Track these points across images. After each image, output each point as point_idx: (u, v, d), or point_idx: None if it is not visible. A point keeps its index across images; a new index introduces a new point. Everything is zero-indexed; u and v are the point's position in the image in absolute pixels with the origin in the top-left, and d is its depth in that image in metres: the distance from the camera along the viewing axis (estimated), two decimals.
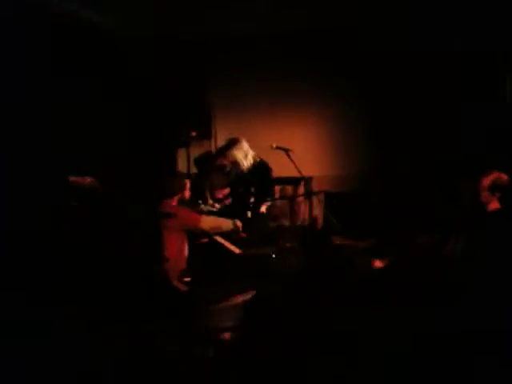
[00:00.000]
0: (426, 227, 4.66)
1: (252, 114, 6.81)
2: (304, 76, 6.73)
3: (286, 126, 6.84)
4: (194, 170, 6.48)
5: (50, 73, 4.91)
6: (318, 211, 6.75)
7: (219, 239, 4.14)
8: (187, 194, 4.15)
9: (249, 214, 5.10)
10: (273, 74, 6.77)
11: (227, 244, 4.09)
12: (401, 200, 5.68)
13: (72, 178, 3.98)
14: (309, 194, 6.08)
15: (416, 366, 2.78)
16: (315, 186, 6.90)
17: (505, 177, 3.37)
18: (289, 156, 4.88)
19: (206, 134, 6.52)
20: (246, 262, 3.80)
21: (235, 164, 5.14)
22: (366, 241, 5.79)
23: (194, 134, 6.23)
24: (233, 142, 5.14)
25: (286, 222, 5.99)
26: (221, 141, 6.64)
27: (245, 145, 5.13)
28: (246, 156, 5.13)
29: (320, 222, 6.77)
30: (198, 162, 6.29)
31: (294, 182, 6.76)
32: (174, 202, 4.05)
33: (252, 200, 5.17)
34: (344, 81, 6.69)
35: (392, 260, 5.29)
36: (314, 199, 6.33)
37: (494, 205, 3.37)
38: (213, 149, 6.79)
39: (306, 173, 6.78)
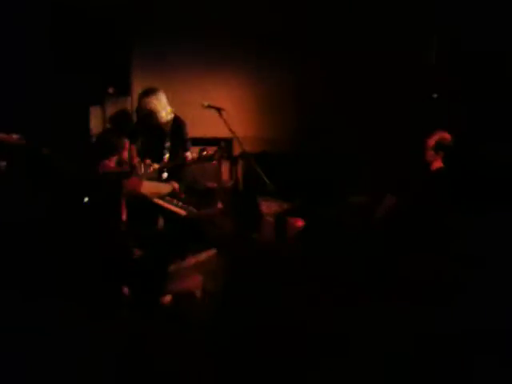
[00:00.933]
0: (361, 188, 4.84)
1: (175, 74, 6.51)
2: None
3: (212, 86, 6.64)
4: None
5: None
6: (240, 173, 6.70)
7: (163, 203, 3.94)
8: (125, 154, 3.87)
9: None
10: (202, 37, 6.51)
11: (172, 207, 3.90)
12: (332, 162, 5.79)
13: None
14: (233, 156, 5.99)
15: (415, 366, 2.70)
16: (239, 148, 6.85)
17: (448, 136, 3.52)
18: (221, 115, 4.73)
19: (124, 91, 6.09)
20: (192, 223, 3.67)
21: (152, 114, 4.88)
22: (292, 202, 5.89)
23: (111, 90, 5.79)
24: (151, 91, 4.88)
25: (210, 184, 5.88)
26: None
27: (163, 96, 4.90)
28: (165, 107, 4.91)
29: (240, 183, 6.75)
30: (115, 119, 5.94)
31: (214, 142, 6.65)
32: (112, 163, 3.77)
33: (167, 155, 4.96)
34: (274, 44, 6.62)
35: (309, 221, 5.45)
36: (239, 161, 6.29)
37: (438, 164, 3.52)
38: (129, 107, 6.41)
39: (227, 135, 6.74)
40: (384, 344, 2.89)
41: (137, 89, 6.27)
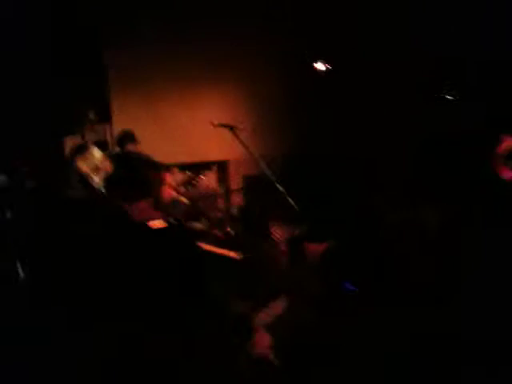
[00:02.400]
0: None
1: (160, 94, 5.85)
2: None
3: (202, 103, 6.02)
4: None
5: None
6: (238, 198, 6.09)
7: (209, 247, 3.26)
8: (168, 192, 2.81)
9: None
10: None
11: (219, 250, 3.18)
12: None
13: None
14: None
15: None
16: (232, 171, 6.24)
17: None
18: (235, 134, 4.12)
19: (104, 116, 5.33)
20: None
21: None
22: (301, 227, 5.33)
23: (91, 116, 5.02)
24: (78, 150, 4.08)
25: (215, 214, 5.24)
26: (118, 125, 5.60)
27: (95, 153, 4.10)
28: (96, 168, 4.08)
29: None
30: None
31: (203, 167, 6.02)
32: (148, 205, 2.72)
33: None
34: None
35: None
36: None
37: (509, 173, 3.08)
38: (108, 137, 5.67)
39: (220, 157, 6.11)
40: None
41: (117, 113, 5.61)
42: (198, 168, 5.70)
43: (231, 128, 4.08)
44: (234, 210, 5.49)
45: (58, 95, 4.80)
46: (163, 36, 5.76)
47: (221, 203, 5.63)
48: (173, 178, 3.38)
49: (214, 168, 6.02)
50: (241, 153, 6.05)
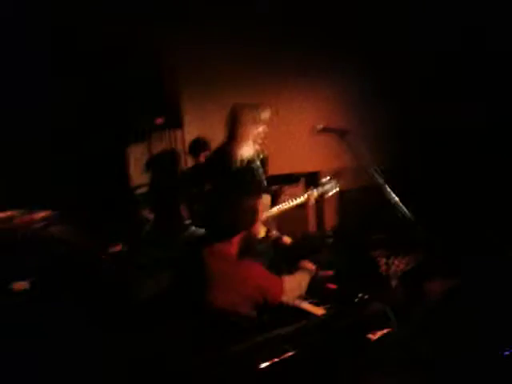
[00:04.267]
0: None
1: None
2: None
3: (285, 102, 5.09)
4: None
5: None
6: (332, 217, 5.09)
7: (301, 304, 2.32)
8: (257, 227, 2.25)
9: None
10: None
11: (309, 307, 2.26)
12: None
13: None
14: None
15: None
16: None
17: None
18: (344, 140, 3.10)
19: (175, 122, 4.47)
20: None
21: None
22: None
23: (159, 121, 4.20)
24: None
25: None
26: (191, 131, 4.74)
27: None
28: None
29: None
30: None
31: (291, 179, 5.05)
32: (234, 246, 2.17)
33: None
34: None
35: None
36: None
37: None
38: (178, 144, 4.82)
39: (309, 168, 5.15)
40: None
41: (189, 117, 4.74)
42: (282, 182, 4.75)
43: (341, 132, 3.06)
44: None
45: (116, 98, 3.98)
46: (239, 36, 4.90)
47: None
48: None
49: (302, 180, 5.05)
50: (336, 162, 5.17)
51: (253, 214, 2.22)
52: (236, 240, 2.19)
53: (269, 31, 5.03)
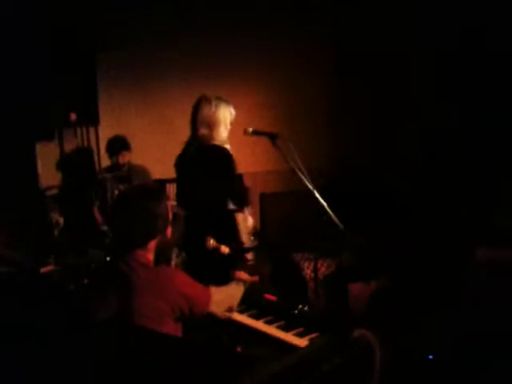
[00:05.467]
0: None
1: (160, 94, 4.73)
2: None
3: None
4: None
5: None
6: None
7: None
8: (169, 232, 2.12)
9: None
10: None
11: (281, 335, 2.09)
12: None
13: None
14: None
15: None
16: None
17: None
18: (275, 144, 3.02)
19: (92, 119, 4.16)
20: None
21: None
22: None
23: (73, 117, 3.88)
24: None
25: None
26: (106, 130, 4.46)
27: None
28: None
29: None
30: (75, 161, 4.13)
31: None
32: (150, 253, 2.03)
33: None
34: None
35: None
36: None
37: None
38: (92, 142, 4.51)
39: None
40: None
41: (105, 114, 4.45)
42: None
43: (271, 136, 2.98)
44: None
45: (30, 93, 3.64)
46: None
47: None
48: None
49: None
50: (259, 165, 5.12)
51: (167, 215, 2.12)
52: (152, 245, 2.07)
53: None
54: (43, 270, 2.96)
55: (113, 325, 1.94)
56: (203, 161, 3.13)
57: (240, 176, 3.65)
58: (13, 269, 2.69)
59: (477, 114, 4.66)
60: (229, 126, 3.18)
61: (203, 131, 3.08)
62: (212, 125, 3.08)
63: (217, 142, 3.12)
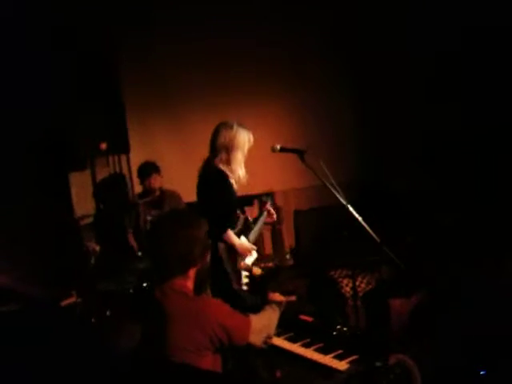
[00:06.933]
0: None
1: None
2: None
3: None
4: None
5: None
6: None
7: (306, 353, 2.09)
8: (208, 256, 2.05)
9: None
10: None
11: (319, 358, 2.02)
12: None
13: None
14: None
15: None
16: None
17: None
18: (303, 160, 2.96)
19: (123, 147, 4.21)
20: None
21: None
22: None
23: (103, 146, 3.94)
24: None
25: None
26: (136, 157, 4.50)
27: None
28: None
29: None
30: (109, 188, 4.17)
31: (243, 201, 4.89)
32: (190, 281, 1.97)
33: None
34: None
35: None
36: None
37: None
38: (124, 169, 4.57)
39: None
40: None
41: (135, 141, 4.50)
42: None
43: (300, 152, 2.93)
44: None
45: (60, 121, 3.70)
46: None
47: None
48: None
49: (256, 202, 4.89)
50: (290, 183, 5.07)
51: (206, 241, 2.06)
52: (192, 273, 2.01)
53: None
54: (65, 302, 2.95)
55: (138, 355, 1.89)
56: (199, 183, 3.15)
57: (271, 194, 3.61)
58: (24, 306, 2.68)
59: (477, 114, 4.58)
60: (246, 152, 3.18)
61: (222, 156, 3.08)
62: (230, 149, 3.08)
63: (232, 166, 3.11)
